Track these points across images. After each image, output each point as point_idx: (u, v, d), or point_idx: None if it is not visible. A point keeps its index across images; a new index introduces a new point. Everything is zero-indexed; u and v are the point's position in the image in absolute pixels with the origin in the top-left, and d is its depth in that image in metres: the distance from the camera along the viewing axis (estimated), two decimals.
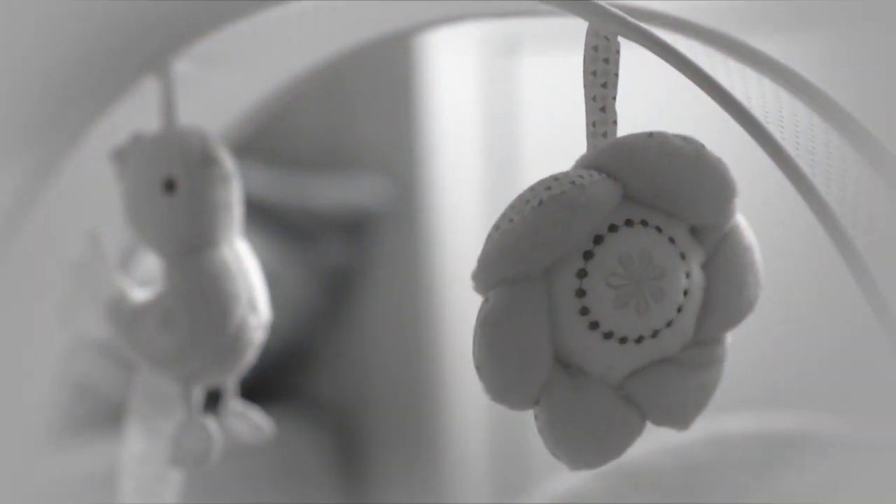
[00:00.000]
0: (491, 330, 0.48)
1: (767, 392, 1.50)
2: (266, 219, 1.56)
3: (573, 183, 0.48)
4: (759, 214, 0.56)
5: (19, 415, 0.78)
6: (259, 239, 1.52)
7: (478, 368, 0.49)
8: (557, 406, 0.49)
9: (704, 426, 0.94)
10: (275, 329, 0.65)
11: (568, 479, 0.94)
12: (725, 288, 0.51)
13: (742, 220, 0.52)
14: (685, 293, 0.50)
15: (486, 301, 0.49)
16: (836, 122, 0.53)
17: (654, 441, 0.93)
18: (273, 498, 1.52)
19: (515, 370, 0.49)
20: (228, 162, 0.63)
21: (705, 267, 0.51)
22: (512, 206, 0.49)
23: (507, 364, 0.49)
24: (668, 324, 0.50)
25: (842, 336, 1.43)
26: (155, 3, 0.64)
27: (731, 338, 0.53)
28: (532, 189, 0.49)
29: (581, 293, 0.49)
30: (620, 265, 0.49)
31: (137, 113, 0.65)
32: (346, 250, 1.60)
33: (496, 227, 0.49)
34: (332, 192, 1.58)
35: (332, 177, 1.61)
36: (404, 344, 1.61)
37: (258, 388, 1.50)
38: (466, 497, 1.60)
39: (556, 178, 0.49)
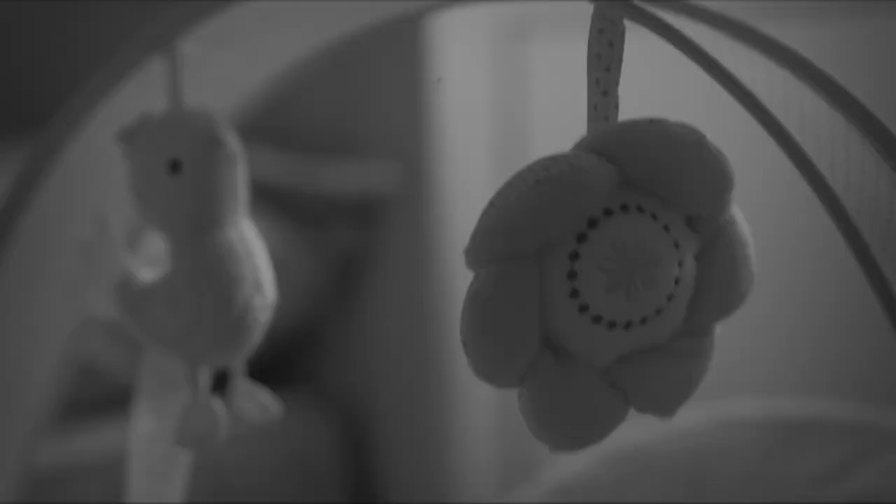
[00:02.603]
0: (480, 306, 0.48)
1: (775, 378, 1.50)
2: (276, 203, 1.56)
3: (571, 164, 0.48)
4: (766, 206, 0.56)
5: (26, 397, 0.78)
6: (268, 223, 1.52)
7: (464, 345, 0.49)
8: (542, 387, 0.49)
9: (712, 411, 0.94)
10: (283, 314, 0.65)
11: (574, 463, 0.94)
12: (717, 280, 0.51)
13: (739, 214, 0.51)
14: (676, 282, 0.50)
15: (476, 277, 0.49)
16: (844, 108, 0.53)
17: (660, 426, 0.93)
18: (279, 482, 1.52)
19: (502, 348, 0.48)
20: (234, 143, 0.63)
21: (699, 258, 0.51)
22: (508, 184, 0.49)
23: (494, 341, 0.48)
24: (658, 311, 0.49)
25: (848, 323, 1.43)
26: None
27: (720, 330, 0.52)
28: (529, 168, 0.48)
29: (572, 275, 0.48)
30: (613, 250, 0.48)
31: (145, 93, 0.65)
32: (356, 235, 1.60)
33: (491, 205, 0.49)
34: (341, 177, 1.58)
35: (341, 161, 1.61)
36: (413, 329, 1.62)
37: (266, 373, 1.51)
38: (473, 481, 1.61)
39: (553, 159, 0.48)
